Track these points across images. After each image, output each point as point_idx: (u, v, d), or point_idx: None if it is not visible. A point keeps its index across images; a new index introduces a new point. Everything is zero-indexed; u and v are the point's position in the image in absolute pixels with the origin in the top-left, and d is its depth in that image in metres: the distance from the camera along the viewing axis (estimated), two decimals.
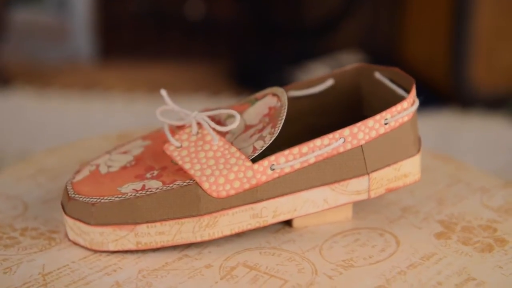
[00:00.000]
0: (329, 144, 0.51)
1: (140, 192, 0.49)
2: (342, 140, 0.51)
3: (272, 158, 0.50)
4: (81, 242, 0.51)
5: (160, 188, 0.49)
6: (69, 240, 0.52)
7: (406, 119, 0.54)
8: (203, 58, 1.80)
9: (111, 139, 0.66)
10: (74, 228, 0.51)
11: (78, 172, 0.53)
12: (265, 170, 0.50)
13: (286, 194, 0.51)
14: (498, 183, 0.62)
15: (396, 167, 0.54)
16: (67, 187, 0.52)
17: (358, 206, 0.57)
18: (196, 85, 1.68)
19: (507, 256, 0.52)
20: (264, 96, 0.54)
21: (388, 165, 0.53)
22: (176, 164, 0.51)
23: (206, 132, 0.51)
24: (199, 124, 0.52)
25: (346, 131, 0.51)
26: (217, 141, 0.50)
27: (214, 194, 0.49)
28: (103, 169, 0.52)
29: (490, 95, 1.55)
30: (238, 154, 0.50)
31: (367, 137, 0.52)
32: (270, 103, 0.53)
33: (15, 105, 1.54)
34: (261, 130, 0.52)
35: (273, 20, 1.78)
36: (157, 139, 0.55)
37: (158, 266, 0.49)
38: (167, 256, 0.50)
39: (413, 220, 0.56)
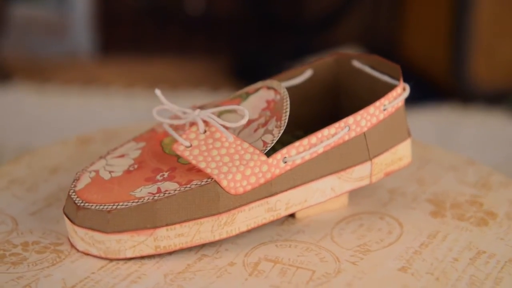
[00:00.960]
0: (335, 133, 0.52)
1: (157, 195, 0.48)
2: (347, 128, 0.52)
3: (284, 151, 0.50)
4: (94, 252, 0.49)
5: (178, 189, 0.48)
6: (78, 251, 0.50)
7: (400, 104, 0.55)
8: (203, 54, 1.79)
9: (71, 144, 0.64)
10: (85, 238, 0.49)
11: (77, 180, 0.51)
12: (278, 163, 0.50)
13: (298, 185, 0.51)
14: (464, 160, 0.65)
15: (393, 151, 0.55)
16: (72, 197, 0.50)
17: (349, 192, 0.58)
18: (196, 80, 1.68)
19: (502, 228, 0.55)
20: (256, 90, 0.54)
21: (387, 149, 0.55)
22: (185, 164, 0.50)
23: (214, 130, 0.50)
24: (205, 122, 0.51)
25: (350, 119, 0.52)
26: (231, 138, 0.50)
27: (232, 191, 0.49)
28: (105, 175, 0.51)
29: (490, 90, 1.55)
30: (251, 149, 0.50)
31: (368, 124, 0.53)
32: (267, 97, 0.53)
33: (15, 100, 1.54)
34: (265, 124, 0.52)
35: (273, 15, 1.78)
36: (152, 140, 0.54)
37: (181, 268, 0.48)
38: (186, 258, 0.49)
39: (403, 201, 0.58)
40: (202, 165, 0.49)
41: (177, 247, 0.49)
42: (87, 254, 0.49)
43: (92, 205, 0.48)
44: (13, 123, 1.45)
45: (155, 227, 0.48)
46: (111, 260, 0.49)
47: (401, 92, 0.55)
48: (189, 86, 1.64)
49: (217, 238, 0.49)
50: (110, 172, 0.51)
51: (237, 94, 0.55)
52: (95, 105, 1.53)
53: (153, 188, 0.49)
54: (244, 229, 0.50)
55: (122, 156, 0.52)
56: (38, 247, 0.50)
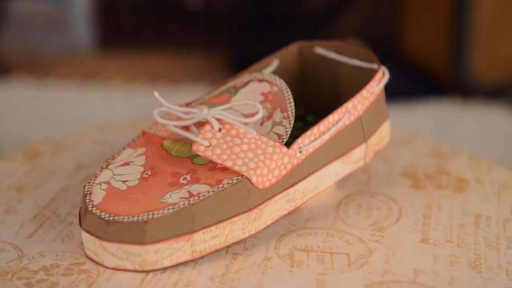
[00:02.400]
0: (339, 119, 0.53)
1: (191, 199, 0.47)
2: (348, 113, 0.53)
3: (299, 140, 0.50)
4: (127, 266, 0.46)
5: (211, 190, 0.47)
6: (107, 268, 0.47)
7: (382, 86, 0.56)
8: (203, 48, 1.79)
9: (19, 160, 0.61)
10: (118, 253, 0.46)
11: (90, 194, 0.48)
12: (295, 154, 0.50)
13: (311, 173, 0.52)
14: (408, 134, 0.68)
15: (380, 131, 0.57)
16: (95, 212, 0.47)
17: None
18: (196, 75, 1.68)
19: (479, 192, 0.58)
20: (245, 84, 0.54)
21: (376, 130, 0.56)
22: (202, 164, 0.49)
23: (229, 127, 0.50)
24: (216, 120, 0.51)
25: (349, 104, 0.53)
26: (254, 133, 0.50)
27: (260, 186, 0.49)
28: (120, 185, 0.48)
29: (490, 85, 1.55)
30: (271, 142, 0.50)
31: (363, 107, 0.55)
32: (262, 89, 0.53)
33: (14, 94, 1.54)
34: (270, 117, 0.52)
35: (273, 9, 1.78)
36: (149, 144, 0.52)
37: (222, 270, 0.47)
38: (220, 259, 0.49)
39: (381, 178, 0.60)
40: (228, 164, 0.48)
41: (212, 250, 0.48)
42: (119, 270, 0.47)
43: (123, 218, 0.46)
44: (13, 117, 1.45)
45: (193, 231, 0.46)
46: (147, 272, 0.47)
47: (383, 74, 0.57)
48: (189, 80, 1.64)
49: (247, 235, 0.49)
50: (123, 182, 0.49)
51: (223, 89, 0.54)
52: (95, 100, 1.52)
53: (183, 193, 0.47)
54: (269, 222, 0.50)
55: (126, 164, 0.51)
56: (61, 270, 0.47)
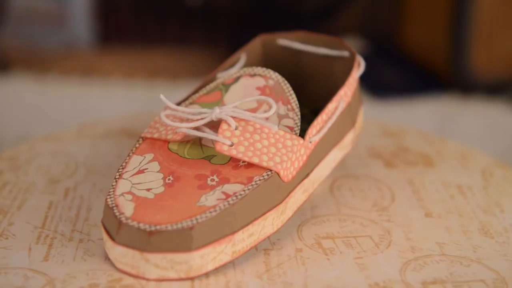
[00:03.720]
0: (337, 107, 0.54)
1: (230, 199, 0.46)
2: (342, 101, 0.54)
3: (309, 131, 0.51)
4: (172, 275, 0.45)
5: (246, 188, 0.47)
6: (149, 280, 0.45)
7: (362, 71, 0.57)
8: (203, 44, 1.79)
9: None
10: (162, 263, 0.45)
11: (116, 206, 0.46)
12: (307, 145, 0.51)
13: (319, 162, 0.53)
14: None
15: (359, 115, 0.58)
16: (132, 224, 0.45)
17: None
18: (195, 71, 1.67)
19: (445, 165, 0.61)
20: (235, 79, 0.54)
21: (358, 115, 0.58)
22: (222, 164, 0.49)
23: (244, 124, 0.50)
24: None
25: (341, 91, 0.54)
26: (276, 128, 0.50)
27: (286, 180, 0.49)
28: (146, 194, 0.47)
29: (490, 81, 1.55)
30: (288, 135, 0.50)
31: (351, 94, 0.56)
32: (256, 84, 0.53)
33: (14, 90, 1.53)
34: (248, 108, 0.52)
35: (273, 5, 1.78)
36: (155, 149, 0.51)
37: (263, 267, 0.47)
38: (254, 257, 0.48)
39: (353, 161, 0.62)
40: (255, 160, 0.48)
41: (248, 248, 0.47)
42: (162, 280, 0.45)
43: (166, 227, 0.44)
44: (12, 113, 1.45)
45: (234, 232, 0.46)
46: (192, 279, 0.46)
47: (359, 60, 0.58)
48: (189, 76, 1.64)
49: (275, 229, 0.49)
50: (147, 190, 0.47)
51: (212, 87, 0.54)
52: (94, 95, 1.52)
53: (217, 194, 0.47)
54: (290, 215, 0.51)
55: (141, 172, 0.49)
56: None
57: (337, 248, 0.50)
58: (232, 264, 0.48)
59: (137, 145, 0.52)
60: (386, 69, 1.64)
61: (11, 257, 0.48)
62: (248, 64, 0.60)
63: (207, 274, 0.46)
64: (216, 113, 0.49)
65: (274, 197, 0.48)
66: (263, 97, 0.50)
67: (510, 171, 0.61)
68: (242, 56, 0.60)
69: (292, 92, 0.52)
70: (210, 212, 0.45)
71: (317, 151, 0.52)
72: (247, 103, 0.52)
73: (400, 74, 1.63)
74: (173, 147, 0.51)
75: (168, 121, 0.50)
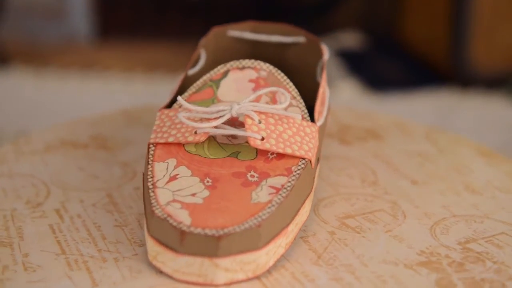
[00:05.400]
0: (323, 91, 0.55)
1: (281, 192, 0.46)
2: (326, 85, 0.56)
3: (316, 117, 0.52)
4: (241, 276, 0.44)
5: (291, 180, 0.47)
6: (218, 285, 0.44)
7: (327, 55, 0.59)
8: (202, 38, 1.79)
9: None
10: (232, 266, 0.44)
11: (170, 217, 0.44)
12: (318, 129, 0.52)
13: (320, 146, 0.53)
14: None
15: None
16: (197, 232, 0.43)
17: None
18: None
19: (393, 138, 0.63)
20: (223, 74, 0.53)
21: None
22: (251, 159, 0.49)
23: (265, 117, 0.49)
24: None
25: (324, 75, 0.55)
26: (300, 117, 0.50)
27: (313, 166, 0.50)
28: (194, 199, 0.46)
29: (489, 74, 1.55)
30: (305, 123, 0.50)
31: (324, 77, 0.57)
32: (248, 77, 0.53)
33: (13, 84, 1.53)
34: (274, 101, 0.52)
35: None
36: (174, 153, 0.49)
37: (311, 254, 0.47)
38: (296, 247, 0.48)
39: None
40: (288, 151, 0.48)
41: (294, 238, 0.47)
42: (230, 284, 0.44)
43: (234, 229, 0.43)
44: (11, 107, 1.45)
45: (287, 224, 0.46)
46: (258, 277, 0.45)
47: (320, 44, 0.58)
48: None
49: (306, 216, 0.49)
50: (192, 195, 0.46)
51: (200, 85, 0.53)
52: (94, 89, 1.52)
53: (266, 189, 0.46)
54: (314, 200, 0.52)
55: (174, 178, 0.48)
56: None
57: (363, 225, 0.50)
58: (283, 257, 0.47)
59: (151, 152, 0.50)
60: (386, 63, 1.64)
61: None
62: (207, 59, 0.60)
63: (269, 270, 0.46)
64: (235, 109, 0.48)
65: (309, 184, 0.49)
66: (275, 88, 0.50)
67: (448, 134, 0.64)
68: (201, 52, 0.59)
69: (288, 80, 0.53)
70: (269, 208, 0.45)
71: (321, 134, 0.54)
72: (244, 97, 0.52)
73: (399, 67, 1.63)
74: (191, 149, 0.50)
75: (183, 119, 0.48)
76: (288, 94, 0.50)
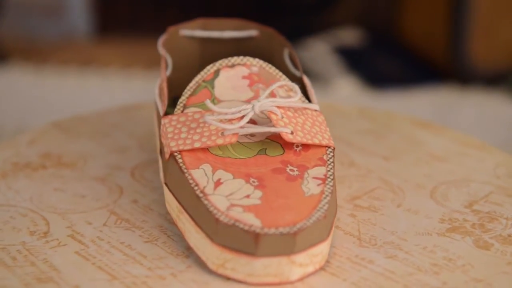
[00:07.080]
0: (303, 75, 0.56)
1: (327, 181, 0.47)
2: (303, 75, 0.56)
3: (313, 104, 0.53)
4: (310, 269, 0.45)
5: (329, 169, 0.48)
6: (293, 282, 0.44)
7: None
8: None
9: None
10: (305, 260, 0.44)
11: (238, 221, 0.44)
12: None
13: None
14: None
15: None
16: (271, 232, 0.43)
17: None
18: None
19: (345, 118, 0.65)
20: (215, 73, 0.53)
21: None
22: (280, 154, 0.49)
23: (283, 111, 0.50)
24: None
25: (299, 67, 0.56)
26: (318, 107, 0.52)
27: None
28: (251, 201, 0.45)
29: (489, 71, 1.55)
30: (315, 113, 0.52)
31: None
32: (241, 73, 0.53)
33: (12, 81, 1.53)
34: (274, 95, 0.52)
35: None
36: (204, 160, 0.48)
37: (355, 239, 0.48)
38: (335, 236, 0.49)
39: None
40: (316, 141, 0.49)
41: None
42: (302, 278, 0.44)
43: (305, 223, 0.43)
44: (10, 104, 1.45)
45: (336, 212, 0.47)
46: (322, 268, 0.45)
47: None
48: None
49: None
50: (247, 197, 0.45)
51: (193, 87, 0.53)
52: (92, 86, 1.52)
53: (312, 181, 0.47)
54: None
55: (219, 184, 0.47)
56: None
57: (376, 204, 0.51)
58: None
59: (180, 161, 0.48)
60: (385, 60, 1.64)
61: None
62: (171, 57, 0.59)
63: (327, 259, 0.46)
64: (257, 106, 0.48)
65: (335, 172, 0.50)
66: (282, 82, 0.50)
67: (378, 110, 0.66)
68: (166, 54, 0.58)
69: (281, 73, 0.53)
70: (325, 198, 0.46)
71: None
72: (243, 94, 0.52)
73: (398, 64, 1.63)
74: (218, 152, 0.49)
75: (209, 120, 0.48)
76: (297, 86, 0.51)
